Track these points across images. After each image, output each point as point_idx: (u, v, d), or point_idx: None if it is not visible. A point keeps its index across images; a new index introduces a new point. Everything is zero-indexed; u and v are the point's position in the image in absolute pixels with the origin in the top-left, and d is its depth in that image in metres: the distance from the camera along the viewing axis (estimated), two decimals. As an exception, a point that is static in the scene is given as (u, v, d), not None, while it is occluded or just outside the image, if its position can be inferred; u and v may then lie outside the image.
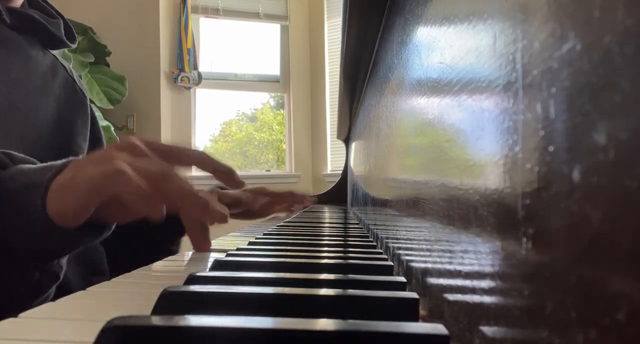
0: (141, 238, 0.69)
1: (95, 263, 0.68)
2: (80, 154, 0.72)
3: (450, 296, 0.23)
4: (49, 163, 0.43)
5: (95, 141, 0.77)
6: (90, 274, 0.65)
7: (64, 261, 0.46)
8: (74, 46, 0.76)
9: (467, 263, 0.21)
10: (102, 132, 0.81)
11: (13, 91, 0.63)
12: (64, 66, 0.75)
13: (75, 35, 0.77)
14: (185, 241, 0.78)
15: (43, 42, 0.71)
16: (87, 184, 0.38)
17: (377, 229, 0.60)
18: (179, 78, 3.07)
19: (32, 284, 0.42)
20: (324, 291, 0.27)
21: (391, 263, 0.38)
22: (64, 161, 0.42)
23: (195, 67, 3.14)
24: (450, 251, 0.24)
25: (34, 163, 0.45)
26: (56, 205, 0.39)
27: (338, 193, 1.70)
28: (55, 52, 0.75)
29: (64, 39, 0.73)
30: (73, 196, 0.39)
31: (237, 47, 3.41)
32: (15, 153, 0.45)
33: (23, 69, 0.66)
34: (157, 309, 0.25)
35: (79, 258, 0.60)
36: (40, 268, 0.43)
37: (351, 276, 0.32)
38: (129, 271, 0.41)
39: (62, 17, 0.74)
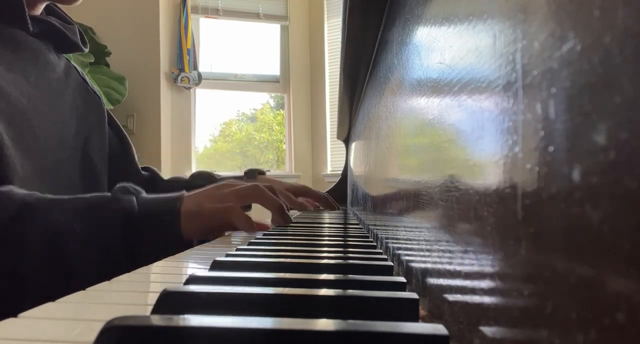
0: None
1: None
2: (98, 157, 0.77)
3: (450, 296, 0.23)
4: (166, 195, 0.61)
5: (118, 132, 0.84)
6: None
7: None
8: (86, 50, 0.81)
9: (467, 263, 0.21)
10: (120, 126, 0.86)
11: (34, 94, 0.66)
12: (75, 68, 0.79)
13: (87, 40, 0.81)
14: None
15: (57, 47, 0.74)
16: (210, 216, 0.60)
17: (377, 229, 0.60)
18: (179, 78, 3.07)
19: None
20: (323, 292, 0.27)
21: (391, 263, 0.38)
22: (178, 194, 0.61)
23: (195, 67, 3.14)
24: (450, 251, 0.24)
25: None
26: (188, 230, 0.59)
27: (338, 193, 1.70)
28: (67, 54, 0.79)
29: (80, 43, 0.77)
30: (201, 225, 0.60)
31: (237, 47, 3.42)
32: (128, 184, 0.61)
33: (43, 73, 0.70)
34: (157, 309, 0.25)
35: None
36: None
37: (351, 276, 0.32)
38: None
39: (74, 23, 0.79)
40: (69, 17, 0.79)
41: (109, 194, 0.58)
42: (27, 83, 0.66)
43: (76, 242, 0.52)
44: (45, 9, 0.75)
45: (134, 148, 0.91)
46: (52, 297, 0.28)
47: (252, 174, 1.06)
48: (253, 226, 0.64)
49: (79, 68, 0.81)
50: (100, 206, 0.56)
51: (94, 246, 0.53)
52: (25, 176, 0.60)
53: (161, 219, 0.57)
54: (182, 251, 0.56)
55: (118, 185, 0.60)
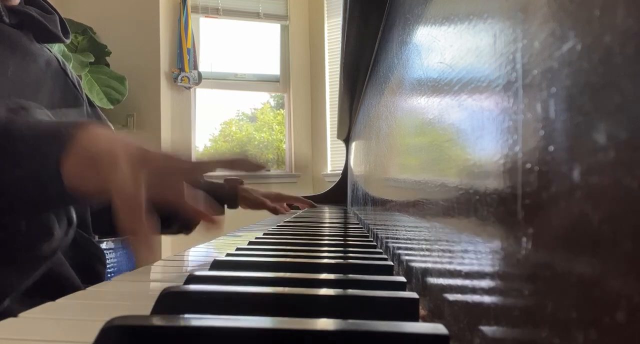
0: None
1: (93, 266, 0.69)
2: None
3: (450, 296, 0.23)
4: (62, 121, 0.43)
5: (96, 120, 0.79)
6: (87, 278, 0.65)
7: (56, 224, 0.47)
8: (67, 41, 0.77)
9: (467, 262, 0.21)
10: (101, 113, 0.82)
11: (11, 88, 0.64)
12: (56, 58, 0.76)
13: (69, 30, 0.78)
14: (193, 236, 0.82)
15: (37, 37, 0.72)
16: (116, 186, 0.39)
17: (377, 229, 0.60)
18: (179, 78, 3.07)
19: (21, 234, 0.43)
20: (324, 291, 0.27)
21: (391, 263, 0.38)
22: (74, 121, 0.42)
23: (195, 67, 3.14)
24: (450, 251, 0.24)
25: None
26: (74, 180, 0.39)
27: (338, 193, 1.70)
28: (53, 49, 0.76)
29: (60, 34, 0.74)
30: (94, 183, 0.40)
31: (237, 47, 3.41)
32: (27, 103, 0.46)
33: (21, 65, 0.67)
34: (157, 309, 0.25)
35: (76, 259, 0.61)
36: (27, 219, 0.43)
37: (351, 275, 0.32)
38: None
39: (56, 12, 0.76)
40: (50, 6, 0.76)
41: None
42: (3, 76, 0.64)
43: None
44: None
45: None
46: None
47: (233, 183, 1.10)
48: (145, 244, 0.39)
49: (60, 58, 0.78)
50: None
51: None
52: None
53: (40, 141, 0.40)
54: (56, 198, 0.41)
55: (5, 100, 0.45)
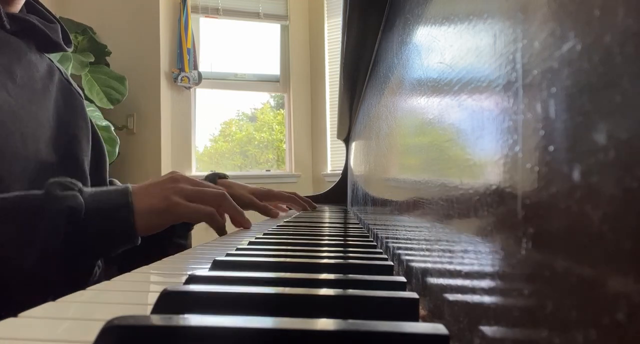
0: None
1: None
2: (84, 156, 0.73)
3: (450, 296, 0.23)
4: (113, 187, 0.57)
5: (99, 145, 0.79)
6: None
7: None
8: (70, 50, 0.77)
9: (467, 262, 0.21)
10: (98, 133, 0.81)
11: (18, 95, 0.64)
12: (59, 69, 0.76)
13: (71, 39, 0.78)
14: (194, 236, 0.83)
15: (39, 46, 0.72)
16: (184, 212, 0.58)
17: (377, 229, 0.60)
18: (179, 78, 3.07)
19: (91, 275, 0.54)
20: (324, 291, 0.27)
21: (391, 263, 0.38)
22: (124, 186, 0.57)
23: (195, 67, 3.14)
24: (450, 251, 0.24)
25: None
26: (145, 222, 0.55)
27: (338, 193, 1.70)
28: (51, 54, 0.76)
29: (62, 43, 0.73)
30: (170, 218, 0.58)
31: (237, 47, 3.41)
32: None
33: (26, 73, 0.67)
34: (157, 309, 0.25)
35: None
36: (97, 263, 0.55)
37: (351, 275, 0.32)
38: (140, 264, 0.45)
39: (58, 21, 0.75)
40: (52, 15, 0.75)
41: (41, 192, 0.51)
42: (13, 83, 0.64)
43: (2, 251, 0.47)
44: (25, 5, 0.71)
45: (107, 162, 0.83)
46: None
47: (213, 178, 0.96)
48: (216, 218, 0.62)
49: (62, 69, 0.78)
50: (32, 207, 0.50)
51: (29, 255, 0.47)
52: (13, 178, 0.58)
53: (114, 217, 0.53)
54: (127, 247, 0.55)
55: (52, 179, 0.52)
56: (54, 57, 0.78)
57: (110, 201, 0.54)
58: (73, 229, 0.49)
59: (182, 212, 0.57)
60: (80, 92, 0.79)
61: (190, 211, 0.58)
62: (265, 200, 1.01)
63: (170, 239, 0.78)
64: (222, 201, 0.64)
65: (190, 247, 0.81)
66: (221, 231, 0.67)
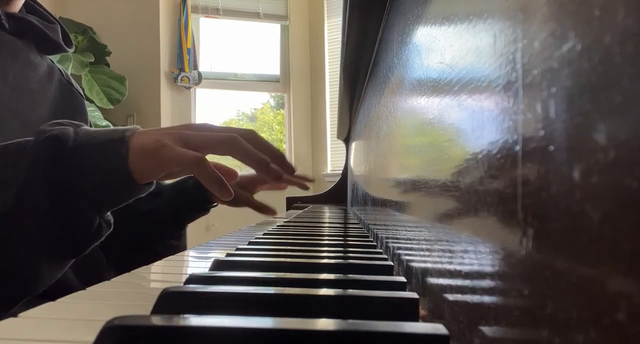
0: (144, 233, 0.69)
1: (97, 270, 0.69)
2: None
3: (450, 296, 0.23)
4: (114, 128, 0.49)
5: None
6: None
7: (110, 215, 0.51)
8: (71, 51, 0.76)
9: (467, 262, 0.21)
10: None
11: (11, 95, 0.63)
12: (59, 69, 0.76)
13: (72, 40, 0.77)
14: (194, 236, 0.80)
15: (39, 47, 0.71)
16: (169, 156, 0.46)
17: (377, 229, 0.60)
18: (179, 78, 3.07)
19: (92, 229, 0.47)
20: (324, 291, 0.27)
21: (391, 263, 0.38)
22: (128, 127, 0.49)
23: (195, 67, 3.14)
24: (450, 251, 0.24)
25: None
26: (138, 164, 0.45)
27: (338, 193, 1.70)
28: (51, 55, 0.76)
29: (62, 44, 0.73)
30: (155, 162, 0.46)
31: (237, 47, 3.41)
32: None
33: (21, 73, 0.66)
34: (157, 309, 0.25)
35: (82, 266, 0.61)
36: (99, 216, 0.47)
37: (351, 276, 0.32)
38: (129, 267, 0.43)
39: (58, 22, 0.75)
40: (52, 16, 0.75)
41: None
42: (4, 82, 0.63)
43: None
44: (25, 6, 0.70)
45: None
46: None
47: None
48: (221, 185, 0.47)
49: (63, 69, 0.78)
50: (20, 144, 0.44)
51: (6, 197, 0.42)
52: None
53: (104, 149, 0.45)
54: (127, 197, 0.47)
55: (53, 121, 0.48)
56: (54, 57, 0.78)
57: (105, 134, 0.46)
58: (56, 165, 0.43)
59: (167, 156, 0.46)
60: (82, 93, 0.79)
61: (174, 154, 0.46)
62: (252, 185, 0.92)
63: (161, 241, 0.77)
64: (229, 146, 0.49)
65: (185, 249, 0.80)
66: (212, 183, 0.48)
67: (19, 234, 0.43)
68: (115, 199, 0.47)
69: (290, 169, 0.53)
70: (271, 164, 0.49)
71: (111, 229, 0.49)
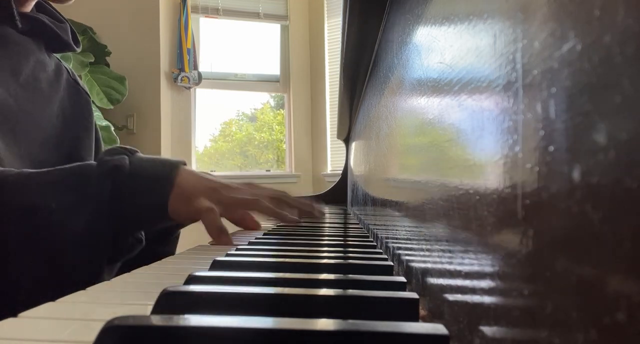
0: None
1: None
2: (88, 155, 0.74)
3: (450, 296, 0.23)
4: (163, 158, 0.57)
5: (95, 141, 0.79)
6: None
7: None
8: (79, 50, 0.77)
9: (467, 263, 0.21)
10: (99, 133, 0.82)
11: (22, 94, 0.64)
12: (66, 68, 0.76)
13: (79, 39, 0.78)
14: (194, 236, 0.80)
15: (48, 46, 0.72)
16: (196, 208, 0.54)
17: (377, 229, 0.60)
18: (179, 78, 3.07)
19: (128, 246, 0.54)
20: (323, 291, 0.27)
21: (391, 263, 0.38)
22: (177, 160, 0.57)
23: (195, 67, 3.14)
24: (450, 251, 0.24)
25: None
26: (174, 204, 0.53)
27: (338, 193, 1.70)
28: (57, 54, 0.76)
29: (71, 42, 0.74)
30: (185, 209, 0.54)
31: (237, 47, 3.41)
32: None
33: (32, 72, 0.67)
34: (157, 309, 0.25)
35: None
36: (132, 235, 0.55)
37: (351, 276, 0.32)
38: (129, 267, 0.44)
39: (67, 21, 0.75)
40: (61, 15, 0.75)
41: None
42: (16, 82, 0.63)
43: (56, 216, 0.47)
44: (35, 6, 0.71)
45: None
46: (43, 289, 0.26)
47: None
48: (220, 236, 0.56)
49: (70, 68, 0.78)
50: (84, 171, 0.51)
51: (77, 219, 0.48)
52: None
53: (151, 187, 0.52)
54: (160, 225, 0.56)
55: (108, 147, 0.54)
56: (58, 56, 0.78)
57: (154, 167, 0.53)
58: (115, 193, 0.49)
59: (190, 210, 0.54)
60: (87, 92, 0.79)
61: (193, 209, 0.54)
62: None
63: (148, 246, 0.76)
64: (252, 207, 0.60)
65: (174, 253, 0.79)
66: (214, 231, 0.56)
67: (74, 245, 0.48)
68: (151, 226, 0.56)
69: (317, 215, 0.71)
70: (289, 216, 0.65)
71: (142, 245, 0.56)
